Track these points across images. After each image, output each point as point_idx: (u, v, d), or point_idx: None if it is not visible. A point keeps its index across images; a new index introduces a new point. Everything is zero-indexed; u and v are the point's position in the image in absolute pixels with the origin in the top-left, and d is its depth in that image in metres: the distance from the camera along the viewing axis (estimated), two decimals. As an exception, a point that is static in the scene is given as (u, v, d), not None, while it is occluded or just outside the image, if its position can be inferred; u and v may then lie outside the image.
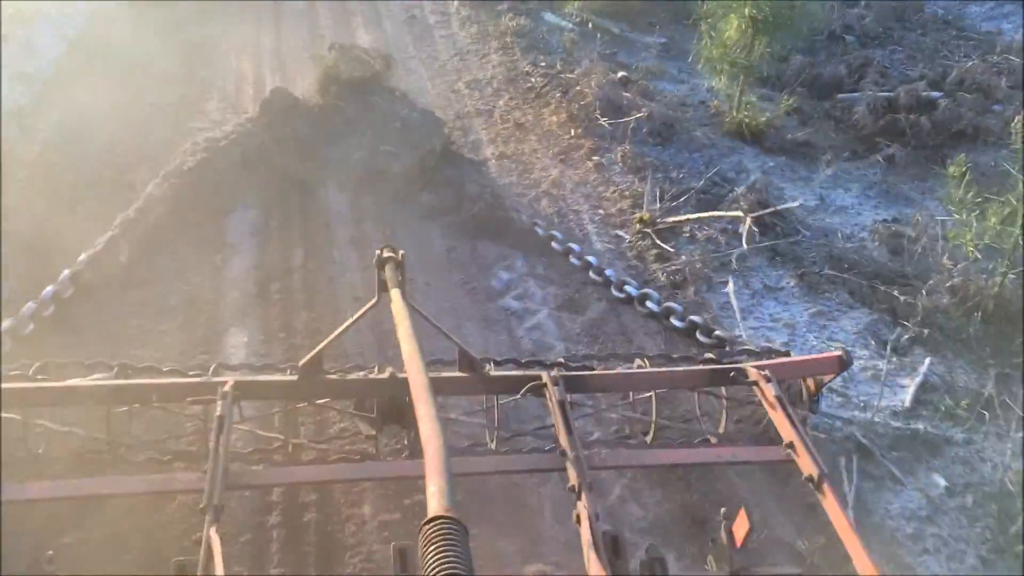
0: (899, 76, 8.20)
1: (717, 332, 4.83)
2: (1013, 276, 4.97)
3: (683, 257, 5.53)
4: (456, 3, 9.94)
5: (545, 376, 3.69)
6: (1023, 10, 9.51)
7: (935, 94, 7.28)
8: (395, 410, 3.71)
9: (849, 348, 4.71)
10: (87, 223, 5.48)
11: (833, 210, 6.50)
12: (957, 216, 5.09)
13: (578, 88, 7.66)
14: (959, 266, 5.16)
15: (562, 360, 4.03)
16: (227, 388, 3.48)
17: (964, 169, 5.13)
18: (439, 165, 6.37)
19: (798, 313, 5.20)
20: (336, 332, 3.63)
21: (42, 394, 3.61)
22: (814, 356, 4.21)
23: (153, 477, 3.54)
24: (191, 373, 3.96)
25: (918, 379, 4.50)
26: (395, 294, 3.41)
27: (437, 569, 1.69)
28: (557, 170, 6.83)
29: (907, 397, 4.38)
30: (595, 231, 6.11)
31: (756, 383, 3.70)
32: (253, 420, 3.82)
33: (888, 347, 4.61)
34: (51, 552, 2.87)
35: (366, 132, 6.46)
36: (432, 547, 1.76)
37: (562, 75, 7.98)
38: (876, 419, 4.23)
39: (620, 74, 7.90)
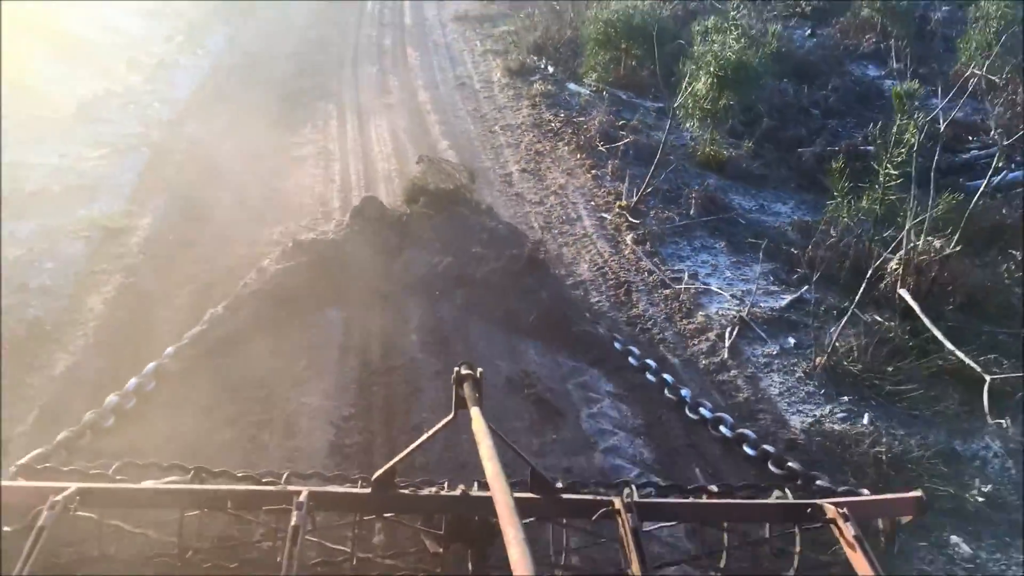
0: (846, 137, 9.44)
1: (790, 463, 4.44)
2: (875, 237, 6.47)
3: (645, 228, 6.90)
4: (498, 74, 11.37)
5: (618, 502, 3.44)
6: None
7: (867, 148, 8.33)
8: (463, 528, 3.61)
9: (754, 280, 6.29)
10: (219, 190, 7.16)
11: (769, 212, 7.70)
12: (838, 199, 6.50)
13: (584, 127, 8.99)
14: (840, 231, 6.62)
15: (633, 484, 3.79)
16: (302, 498, 3.30)
17: (842, 165, 6.52)
18: (523, 275, 6.15)
19: (723, 261, 6.77)
20: (410, 447, 3.47)
21: (119, 495, 3.46)
22: (892, 496, 3.96)
23: None
24: (264, 480, 3.70)
25: (795, 296, 6.09)
26: (475, 413, 3.27)
27: None
28: (564, 179, 8.04)
29: (784, 303, 6.03)
30: (586, 215, 7.40)
31: (834, 521, 3.47)
32: (321, 530, 3.63)
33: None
34: None
35: (451, 242, 6.33)
36: None
37: (574, 120, 9.29)
38: (757, 310, 5.83)
39: (620, 122, 9.21)
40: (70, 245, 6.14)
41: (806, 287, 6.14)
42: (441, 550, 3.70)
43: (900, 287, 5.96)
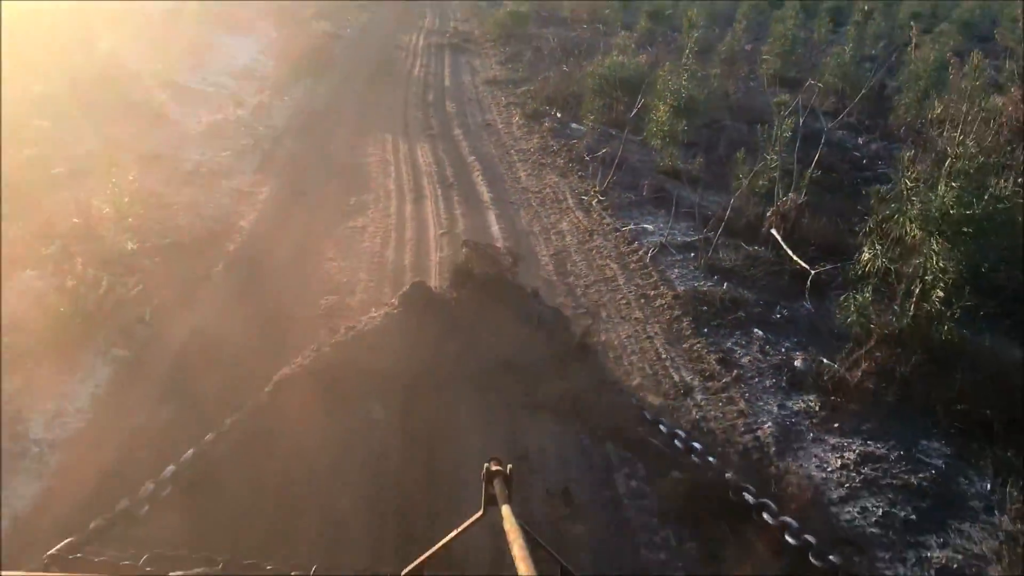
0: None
1: (831, 557, 4.35)
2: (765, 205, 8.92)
3: (608, 201, 9.70)
4: (517, 118, 14.58)
5: None
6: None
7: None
8: None
9: (673, 226, 8.96)
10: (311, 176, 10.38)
11: (704, 200, 9.94)
12: (740, 178, 9.30)
13: (577, 147, 12.03)
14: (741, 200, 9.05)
15: None
16: None
17: (742, 156, 9.47)
18: (568, 361, 6.27)
19: (660, 221, 9.33)
20: (437, 545, 3.41)
21: None
22: None
23: None
24: (293, 573, 3.71)
25: (700, 236, 8.60)
26: (506, 511, 3.22)
27: None
28: (557, 178, 11.02)
29: (691, 239, 8.69)
30: (570, 196, 10.30)
31: None
32: None
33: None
34: None
35: (499, 327, 6.39)
36: None
37: (570, 145, 12.27)
38: (673, 241, 8.64)
39: (603, 148, 11.81)
40: (222, 198, 9.60)
41: (707, 230, 9.33)
42: None
43: (772, 228, 9.16)
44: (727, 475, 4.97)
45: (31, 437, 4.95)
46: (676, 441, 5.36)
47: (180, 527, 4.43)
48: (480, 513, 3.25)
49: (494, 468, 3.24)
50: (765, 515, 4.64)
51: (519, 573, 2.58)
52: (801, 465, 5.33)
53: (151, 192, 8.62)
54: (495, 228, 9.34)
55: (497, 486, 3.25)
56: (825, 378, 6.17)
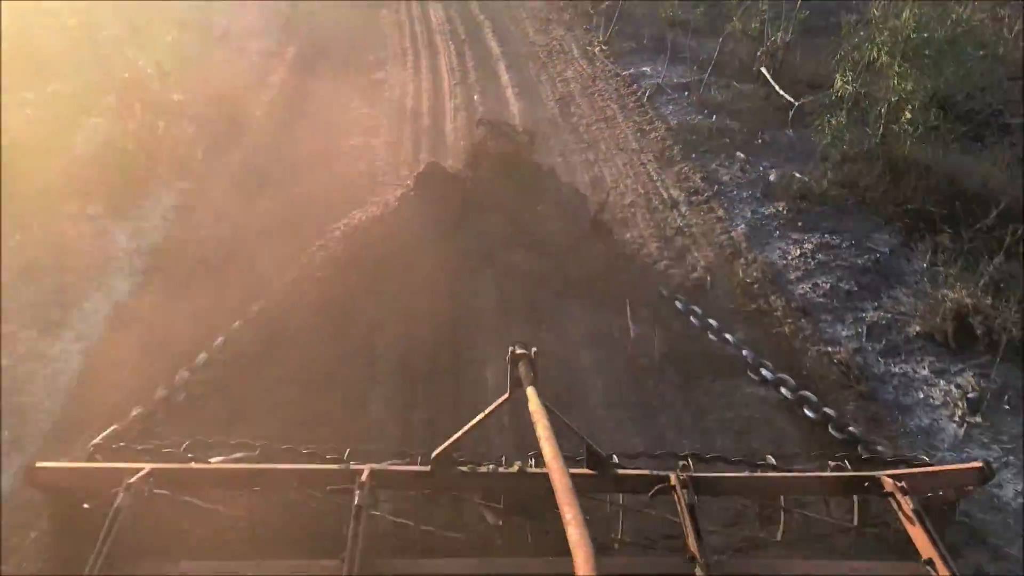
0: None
1: (850, 428, 4.57)
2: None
3: (610, 50, 10.50)
4: None
5: (674, 478, 3.56)
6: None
7: None
8: (521, 503, 3.83)
9: (673, 70, 9.92)
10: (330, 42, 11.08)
11: (701, 48, 10.60)
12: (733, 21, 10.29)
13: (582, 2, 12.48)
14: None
15: (689, 458, 3.85)
16: (364, 478, 3.50)
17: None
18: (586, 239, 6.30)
19: (659, 67, 9.93)
20: (467, 427, 3.59)
21: (191, 475, 3.68)
22: (954, 466, 3.96)
23: (293, 563, 3.51)
24: (328, 458, 3.89)
25: (695, 77, 9.46)
26: (531, 392, 3.39)
27: None
28: (563, 32, 11.77)
29: (687, 80, 9.55)
30: (575, 48, 11.12)
31: (892, 495, 3.54)
32: (385, 503, 3.83)
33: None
34: None
35: (516, 207, 6.38)
36: None
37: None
38: (669, 82, 9.50)
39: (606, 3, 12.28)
40: (252, 57, 10.42)
41: (701, 71, 10.05)
42: (500, 523, 3.86)
43: (762, 67, 9.90)
44: (745, 353, 5.22)
45: (119, 246, 6.00)
46: (692, 319, 5.60)
47: (217, 414, 4.61)
48: (506, 395, 3.53)
49: (519, 352, 3.55)
50: (783, 389, 4.95)
51: (543, 452, 2.86)
52: (767, 255, 6.28)
53: (188, 53, 9.41)
54: (504, 78, 10.05)
55: (522, 369, 3.52)
56: (794, 188, 7.07)
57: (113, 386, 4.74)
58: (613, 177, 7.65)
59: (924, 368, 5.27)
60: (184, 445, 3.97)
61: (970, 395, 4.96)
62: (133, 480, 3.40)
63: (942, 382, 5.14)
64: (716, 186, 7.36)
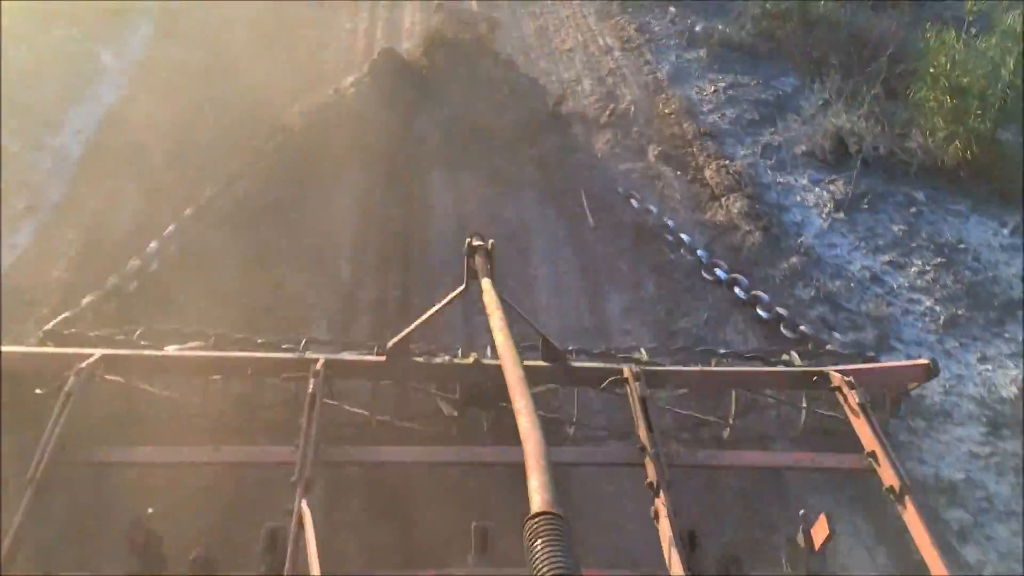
0: None
1: (802, 327, 4.72)
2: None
3: None
4: None
5: (627, 371, 3.55)
6: None
7: None
8: (477, 394, 3.79)
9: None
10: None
11: None
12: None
13: None
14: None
15: (642, 353, 3.97)
16: (319, 367, 3.44)
17: None
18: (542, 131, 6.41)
19: None
20: (423, 317, 3.57)
21: (143, 362, 3.64)
22: (901, 363, 4.15)
23: (247, 449, 3.46)
24: (283, 347, 3.86)
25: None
26: (486, 284, 3.33)
27: (546, 565, 1.66)
28: None
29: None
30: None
31: (839, 389, 3.59)
32: (339, 395, 3.79)
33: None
34: (151, 510, 2.83)
35: (469, 96, 6.33)
36: (539, 541, 1.75)
37: None
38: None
39: None
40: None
41: None
42: (456, 414, 3.84)
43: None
44: (700, 253, 5.50)
45: (103, 62, 6.74)
46: (650, 217, 5.85)
47: (171, 303, 4.64)
48: (462, 287, 3.49)
49: (475, 243, 3.49)
50: (737, 289, 5.17)
51: (496, 343, 2.86)
52: (684, 92, 7.23)
53: None
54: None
55: (478, 260, 3.45)
56: (716, 38, 7.95)
57: (109, 169, 5.70)
58: (555, 27, 8.35)
59: (804, 178, 6.35)
60: (137, 333, 3.94)
61: (837, 197, 5.98)
62: (83, 365, 3.34)
63: (817, 189, 6.20)
64: (647, 35, 8.17)
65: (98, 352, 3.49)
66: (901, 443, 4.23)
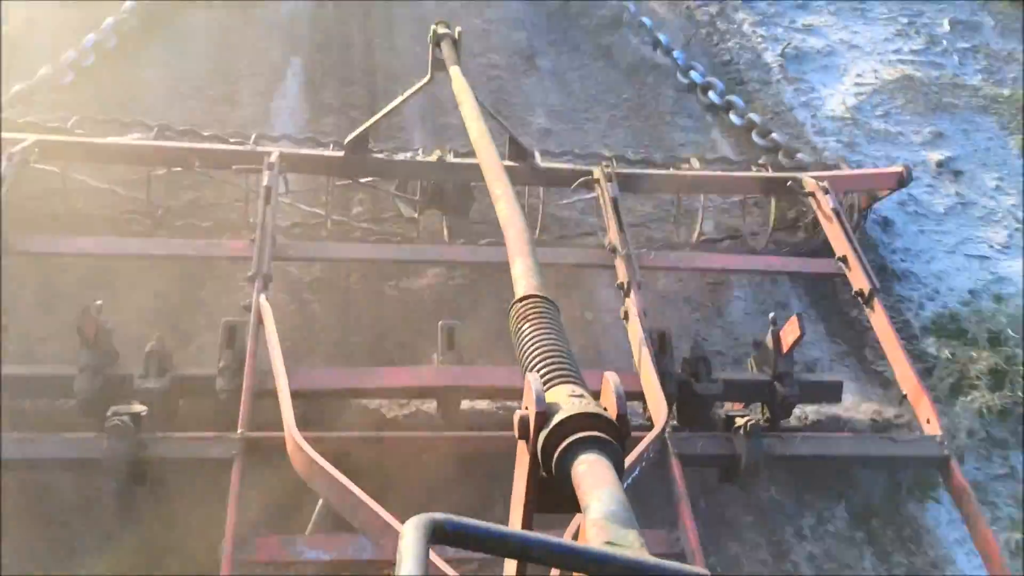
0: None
1: (774, 135, 4.55)
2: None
3: None
4: None
5: (598, 171, 3.45)
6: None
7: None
8: (438, 194, 3.63)
9: None
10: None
11: None
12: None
13: None
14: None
15: (612, 156, 3.84)
16: (273, 159, 3.26)
17: None
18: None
19: None
20: (385, 109, 3.44)
21: (80, 149, 3.40)
22: (874, 170, 4.11)
23: (201, 242, 3.34)
24: (233, 140, 3.62)
25: None
26: (455, 72, 3.17)
27: (536, 345, 1.60)
28: None
29: None
30: None
31: (812, 194, 3.58)
32: (294, 193, 3.63)
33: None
34: (100, 302, 2.69)
35: None
36: (527, 324, 1.69)
37: None
38: None
39: None
40: None
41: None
42: (416, 215, 3.68)
43: None
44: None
45: None
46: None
47: (111, 97, 4.35)
48: (427, 78, 3.36)
49: (441, 31, 3.34)
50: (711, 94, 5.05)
51: (469, 132, 2.76)
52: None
53: None
54: None
55: (445, 49, 3.32)
56: None
57: None
58: None
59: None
60: (72, 121, 3.69)
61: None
62: (16, 149, 3.20)
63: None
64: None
65: (31, 137, 3.28)
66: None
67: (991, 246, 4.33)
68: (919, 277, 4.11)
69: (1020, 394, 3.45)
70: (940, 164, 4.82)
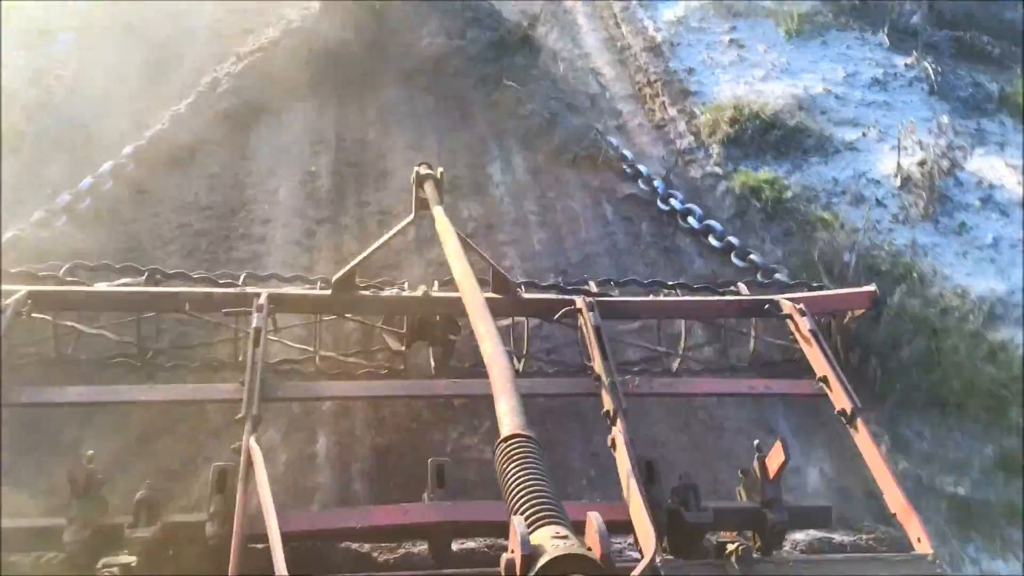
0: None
1: (752, 256, 4.81)
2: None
3: None
4: None
5: (580, 301, 3.52)
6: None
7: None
8: (424, 327, 3.71)
9: None
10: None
11: None
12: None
13: None
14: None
15: (594, 286, 3.99)
16: (262, 300, 3.32)
17: None
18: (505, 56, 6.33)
19: None
20: (370, 249, 3.53)
21: (72, 298, 3.47)
22: (847, 291, 4.22)
23: (190, 386, 3.45)
24: (222, 282, 3.72)
25: None
26: (438, 212, 3.35)
27: (521, 486, 1.66)
28: None
29: None
30: None
31: (790, 316, 3.66)
32: (283, 331, 3.72)
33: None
34: (91, 452, 2.73)
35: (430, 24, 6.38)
36: (513, 464, 1.75)
37: None
38: None
39: None
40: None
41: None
42: (404, 348, 3.76)
43: None
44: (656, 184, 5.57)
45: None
46: (625, 159, 5.90)
47: (101, 241, 4.49)
48: (411, 217, 3.53)
49: (424, 172, 3.49)
50: (691, 219, 5.31)
51: (453, 271, 2.83)
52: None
53: None
54: None
55: (428, 189, 3.45)
56: None
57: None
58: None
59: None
60: (64, 269, 3.77)
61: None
62: (9, 302, 3.22)
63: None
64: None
65: (24, 288, 3.34)
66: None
67: (754, 78, 7.17)
68: (706, 95, 6.92)
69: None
70: (730, 41, 7.79)
